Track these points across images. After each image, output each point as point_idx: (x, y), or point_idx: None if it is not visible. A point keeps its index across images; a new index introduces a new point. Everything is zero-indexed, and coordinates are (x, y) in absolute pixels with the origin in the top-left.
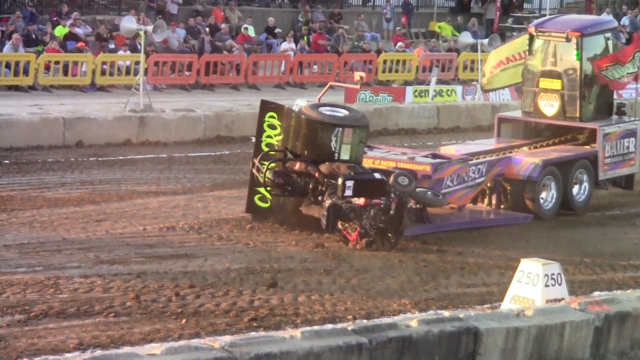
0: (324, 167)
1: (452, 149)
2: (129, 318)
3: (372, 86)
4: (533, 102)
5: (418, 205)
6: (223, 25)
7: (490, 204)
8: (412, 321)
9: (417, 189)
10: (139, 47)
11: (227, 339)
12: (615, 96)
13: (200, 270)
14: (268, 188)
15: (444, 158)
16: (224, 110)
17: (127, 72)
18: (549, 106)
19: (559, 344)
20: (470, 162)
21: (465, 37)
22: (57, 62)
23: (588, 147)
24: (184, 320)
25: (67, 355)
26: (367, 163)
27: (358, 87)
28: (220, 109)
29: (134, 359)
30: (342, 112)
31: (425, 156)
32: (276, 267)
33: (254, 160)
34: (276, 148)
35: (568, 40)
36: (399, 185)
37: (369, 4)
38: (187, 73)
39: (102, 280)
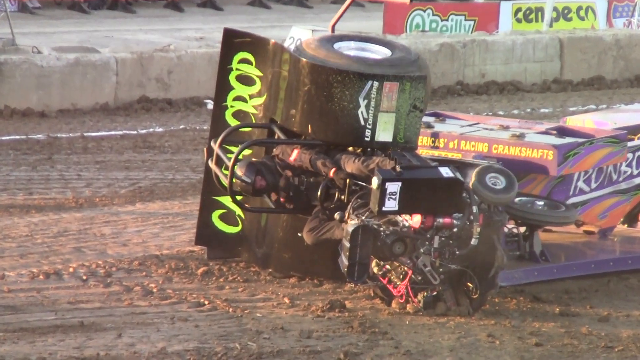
0: (344, 158)
1: (589, 121)
2: None
3: (436, 2)
4: None
5: (523, 229)
6: None
7: None
8: None
9: (520, 198)
10: None
11: None
12: None
13: (109, 354)
14: (238, 197)
15: (579, 136)
16: (154, 49)
17: None
18: None
19: None
20: (627, 145)
21: None
22: None
23: None
24: None
25: None
26: (426, 148)
27: (407, 2)
28: (148, 46)
29: None
30: (379, 52)
31: (545, 132)
32: (254, 349)
33: (212, 143)
34: (253, 121)
35: None
36: (486, 191)
37: None
38: None
39: None
